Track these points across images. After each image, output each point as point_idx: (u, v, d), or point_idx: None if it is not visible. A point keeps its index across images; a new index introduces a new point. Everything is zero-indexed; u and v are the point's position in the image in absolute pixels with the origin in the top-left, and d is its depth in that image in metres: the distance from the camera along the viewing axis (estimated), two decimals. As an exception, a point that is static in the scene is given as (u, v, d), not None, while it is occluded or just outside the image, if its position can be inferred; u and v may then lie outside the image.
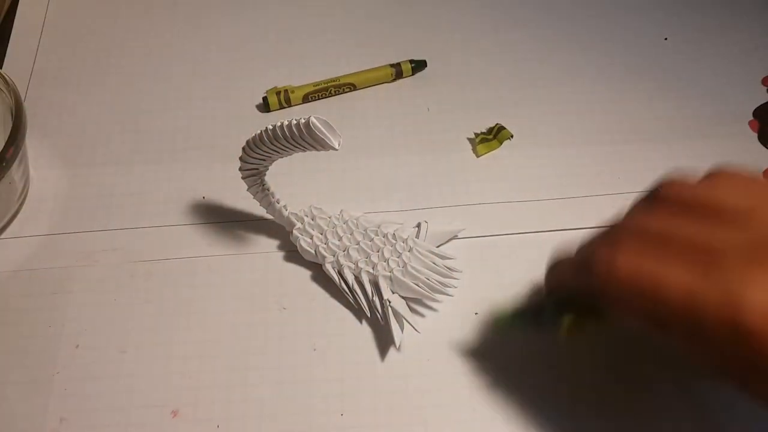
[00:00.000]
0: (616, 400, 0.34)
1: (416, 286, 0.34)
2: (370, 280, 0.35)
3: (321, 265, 0.36)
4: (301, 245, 0.37)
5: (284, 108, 0.45)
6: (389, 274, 0.35)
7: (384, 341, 0.35)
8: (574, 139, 0.44)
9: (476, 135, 0.43)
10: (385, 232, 0.36)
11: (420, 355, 0.35)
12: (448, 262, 0.36)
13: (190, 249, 0.39)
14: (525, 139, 0.44)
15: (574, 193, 0.41)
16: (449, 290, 0.36)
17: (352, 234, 0.37)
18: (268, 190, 0.36)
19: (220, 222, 0.40)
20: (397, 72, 0.46)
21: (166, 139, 0.43)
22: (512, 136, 0.43)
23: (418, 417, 0.33)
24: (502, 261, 0.38)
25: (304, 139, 0.29)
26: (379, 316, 0.35)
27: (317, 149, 0.30)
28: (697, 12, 0.51)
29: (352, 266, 0.36)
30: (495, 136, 0.43)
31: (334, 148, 0.29)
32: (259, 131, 0.31)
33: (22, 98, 0.39)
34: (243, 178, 0.35)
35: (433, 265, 0.36)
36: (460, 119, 0.44)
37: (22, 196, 0.40)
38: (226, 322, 0.36)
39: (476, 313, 0.36)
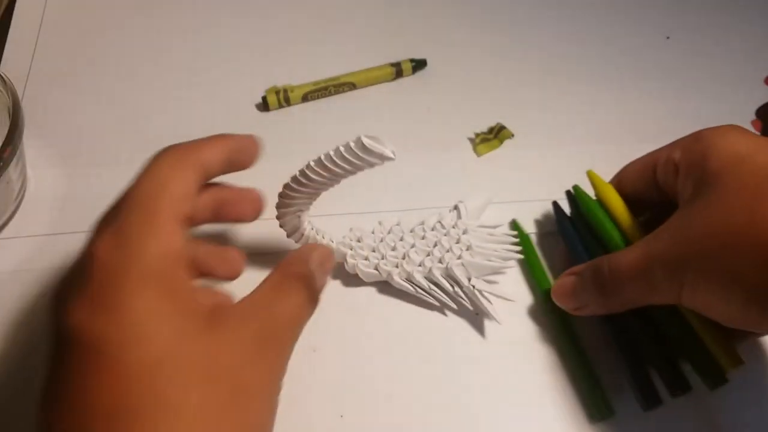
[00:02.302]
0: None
1: (490, 262, 0.35)
2: (443, 275, 0.35)
3: (386, 282, 0.36)
4: (361, 270, 0.36)
5: (283, 107, 0.45)
6: (460, 261, 0.35)
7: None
8: (576, 138, 0.44)
9: (477, 134, 0.43)
10: (432, 225, 0.36)
11: (418, 356, 0.35)
12: (501, 229, 0.37)
13: (189, 249, 0.38)
14: (526, 139, 0.43)
15: (575, 193, 0.41)
16: (517, 254, 0.36)
17: (402, 239, 0.36)
18: (313, 228, 0.35)
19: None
20: (397, 71, 0.46)
21: (165, 139, 0.43)
22: (513, 136, 0.43)
23: (418, 418, 0.33)
24: (503, 261, 0.38)
25: (361, 160, 0.28)
26: (467, 304, 0.35)
27: (373, 166, 0.29)
28: (699, 10, 0.51)
29: (420, 269, 0.35)
30: (496, 135, 0.43)
31: (390, 159, 0.28)
32: (300, 169, 0.30)
33: (20, 97, 0.39)
34: (284, 225, 0.34)
35: (492, 237, 0.36)
36: (460, 118, 0.44)
37: (20, 196, 0.40)
38: (225, 322, 0.36)
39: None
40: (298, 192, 0.31)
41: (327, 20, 0.50)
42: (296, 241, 0.35)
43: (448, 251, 0.35)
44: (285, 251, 0.38)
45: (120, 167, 0.42)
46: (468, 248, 0.35)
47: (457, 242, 0.35)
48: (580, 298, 0.33)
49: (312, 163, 0.29)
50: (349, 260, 0.36)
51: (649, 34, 0.49)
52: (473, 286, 0.34)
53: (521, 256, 0.36)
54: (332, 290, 0.37)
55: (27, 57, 0.47)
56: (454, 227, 0.36)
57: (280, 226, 0.34)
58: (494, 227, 0.37)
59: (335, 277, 0.37)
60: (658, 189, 0.33)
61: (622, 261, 0.30)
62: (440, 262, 0.35)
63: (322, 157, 0.29)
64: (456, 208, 0.38)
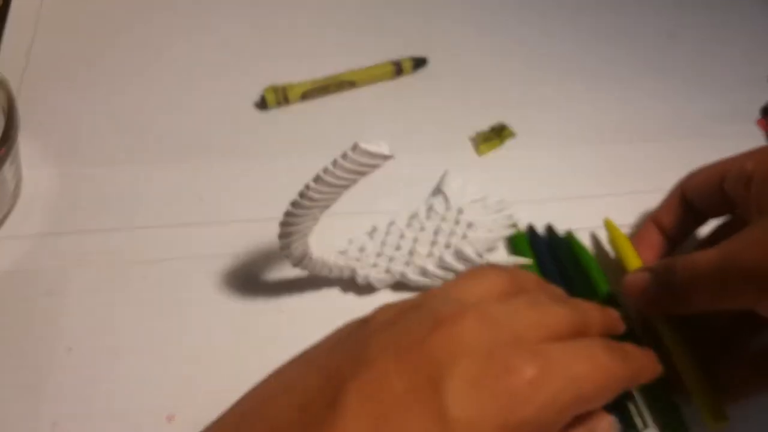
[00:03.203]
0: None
1: (492, 233, 0.35)
2: (454, 258, 0.35)
3: (397, 284, 0.36)
4: (375, 278, 0.35)
5: (282, 106, 0.44)
6: (466, 239, 0.35)
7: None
8: (577, 137, 0.43)
9: (478, 133, 0.43)
10: (425, 214, 0.36)
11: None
12: (492, 200, 0.38)
13: (187, 250, 0.38)
14: (527, 138, 0.43)
15: (576, 193, 0.41)
16: (516, 220, 0.38)
17: (403, 237, 0.36)
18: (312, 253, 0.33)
19: (217, 222, 0.39)
20: (398, 69, 0.45)
21: (163, 138, 0.43)
22: (515, 135, 0.43)
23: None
24: (505, 262, 0.38)
25: (363, 165, 0.27)
26: None
27: (374, 170, 0.28)
28: (703, 8, 0.50)
29: (431, 259, 0.35)
30: (497, 134, 0.43)
31: (391, 157, 0.27)
32: (300, 192, 0.28)
33: (15, 97, 0.38)
34: (290, 254, 0.32)
35: (486, 209, 0.37)
36: (461, 117, 0.44)
37: (15, 196, 0.39)
38: (222, 324, 0.35)
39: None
40: (302, 216, 0.29)
41: (326, 18, 0.49)
42: (303, 269, 0.33)
43: (451, 234, 0.36)
44: (277, 252, 0.38)
45: (117, 167, 0.42)
46: (469, 225, 0.35)
47: (457, 223, 0.36)
48: (649, 295, 0.32)
49: (312, 183, 0.28)
50: (360, 272, 0.35)
51: (652, 33, 0.49)
52: (487, 261, 0.35)
53: (517, 221, 0.38)
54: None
55: (23, 55, 0.47)
56: (448, 210, 0.36)
57: (285, 256, 0.32)
58: (482, 199, 0.38)
59: (346, 291, 0.37)
60: (723, 199, 0.32)
61: (697, 260, 0.29)
62: (447, 246, 0.35)
63: (321, 174, 0.27)
64: (440, 191, 0.38)
